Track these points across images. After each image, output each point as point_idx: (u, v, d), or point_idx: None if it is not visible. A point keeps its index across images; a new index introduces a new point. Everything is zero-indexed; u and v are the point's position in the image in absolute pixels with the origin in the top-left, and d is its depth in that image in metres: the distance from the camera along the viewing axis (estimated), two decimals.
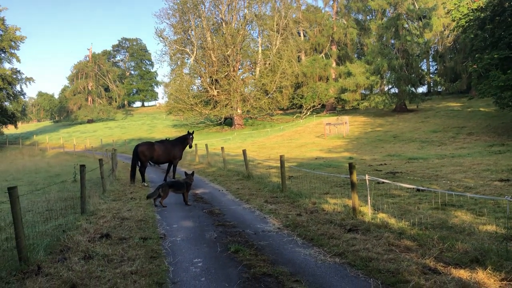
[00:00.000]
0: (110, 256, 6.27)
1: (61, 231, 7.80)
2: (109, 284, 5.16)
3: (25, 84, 71.18)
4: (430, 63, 71.55)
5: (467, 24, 34.58)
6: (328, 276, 5.35)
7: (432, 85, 67.35)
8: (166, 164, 17.18)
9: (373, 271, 5.35)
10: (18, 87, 65.00)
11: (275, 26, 58.49)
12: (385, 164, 20.46)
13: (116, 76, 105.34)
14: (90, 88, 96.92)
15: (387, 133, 39.74)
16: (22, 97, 67.19)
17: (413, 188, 11.30)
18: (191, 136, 16.74)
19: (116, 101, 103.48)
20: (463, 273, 5.02)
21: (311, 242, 6.91)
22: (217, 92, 58.47)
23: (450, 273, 5.07)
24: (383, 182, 12.58)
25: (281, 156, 12.71)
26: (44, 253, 6.43)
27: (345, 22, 62.19)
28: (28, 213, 10.16)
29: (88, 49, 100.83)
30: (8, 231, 8.29)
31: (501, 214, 8.28)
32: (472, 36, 34.00)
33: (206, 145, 25.05)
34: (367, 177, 8.65)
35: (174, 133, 51.07)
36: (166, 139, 18.97)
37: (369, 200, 8.54)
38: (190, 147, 17.23)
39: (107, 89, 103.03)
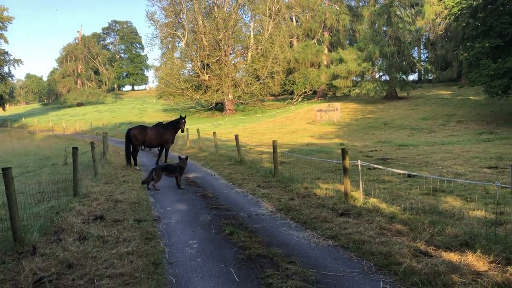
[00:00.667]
0: (105, 237, 6.32)
1: (55, 213, 7.81)
2: (106, 264, 5.20)
3: (13, 65, 70.35)
4: (421, 50, 71.74)
5: (459, 12, 34.65)
6: (322, 257, 5.45)
7: (423, 72, 67.74)
8: (158, 148, 17.22)
9: (366, 253, 5.45)
10: (6, 69, 64.27)
11: (267, 10, 58.07)
12: (375, 150, 20.64)
13: (106, 59, 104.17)
14: (79, 71, 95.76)
15: (378, 120, 39.97)
16: (10, 79, 66.43)
17: (404, 174, 11.47)
18: (183, 121, 16.68)
19: (106, 85, 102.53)
20: (453, 256, 5.14)
21: (304, 225, 7.01)
22: (208, 76, 58.14)
23: (440, 256, 5.19)
24: (374, 168, 12.73)
25: (273, 141, 12.77)
26: (38, 234, 6.45)
27: (338, 8, 61.96)
28: (20, 195, 10.11)
29: (78, 31, 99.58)
30: (1, 212, 8.29)
31: (490, 200, 8.44)
32: (464, 24, 34.12)
33: (198, 130, 25.02)
34: (359, 162, 8.75)
35: (164, 118, 50.82)
36: (159, 122, 18.97)
37: (360, 185, 8.64)
38: (182, 131, 17.19)
39: (96, 72, 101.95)
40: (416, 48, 64.84)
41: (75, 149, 10.37)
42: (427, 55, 69.39)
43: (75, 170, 10.02)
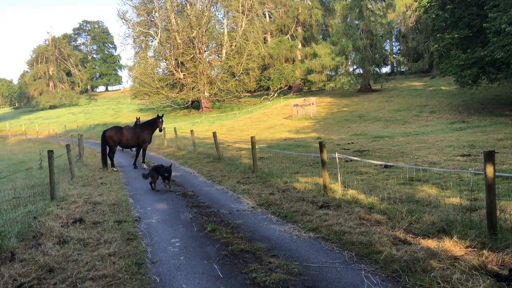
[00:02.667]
0: (86, 240, 6.25)
1: (32, 218, 7.68)
2: (88, 266, 5.15)
3: None
4: (393, 43, 72.79)
5: (428, 4, 35.20)
6: (304, 250, 5.52)
7: (395, 65, 68.73)
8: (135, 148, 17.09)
9: (347, 244, 5.55)
10: None
11: (240, 7, 57.90)
12: (352, 143, 20.89)
13: (78, 60, 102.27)
14: (51, 73, 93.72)
15: (353, 113, 40.40)
16: None
17: (381, 165, 11.67)
18: (161, 120, 16.55)
19: (78, 86, 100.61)
20: (431, 243, 5.28)
21: (285, 219, 7.08)
22: (183, 75, 57.71)
23: (419, 243, 5.32)
24: (351, 160, 12.91)
25: (252, 137, 12.82)
26: (16, 239, 6.34)
27: (310, 3, 62.25)
28: None
29: (48, 33, 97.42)
30: None
31: (464, 187, 8.66)
32: (434, 16, 34.68)
33: (175, 128, 24.87)
34: (336, 155, 8.87)
35: (141, 116, 50.29)
36: (137, 118, 18.88)
37: (339, 178, 8.77)
38: (161, 130, 17.14)
39: (69, 74, 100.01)
40: (388, 40, 65.76)
41: (50, 152, 10.18)
42: (399, 47, 70.38)
43: (51, 173, 9.85)
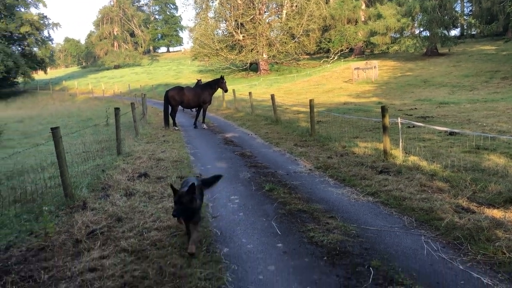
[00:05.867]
0: (151, 193, 6.57)
1: (101, 171, 8.15)
2: (153, 218, 5.45)
3: (52, 29, 71.80)
4: (464, 4, 68.15)
5: None
6: (362, 213, 5.51)
7: (465, 27, 64.49)
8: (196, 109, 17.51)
9: (407, 209, 5.47)
10: (45, 33, 65.30)
11: None
12: (415, 108, 20.16)
13: (141, 20, 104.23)
14: (115, 33, 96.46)
15: (417, 77, 38.76)
16: (50, 42, 67.61)
17: (445, 132, 11.24)
18: (224, 81, 16.90)
19: (141, 47, 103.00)
20: (496, 212, 5.09)
21: (343, 183, 7.05)
22: (243, 36, 57.46)
23: (483, 212, 5.15)
24: (414, 126, 12.52)
25: (310, 100, 12.69)
26: (87, 190, 6.78)
27: None
28: (66, 155, 10.49)
29: None
30: (50, 170, 8.70)
31: None
32: None
33: (234, 90, 25.07)
34: (399, 120, 8.62)
35: (202, 79, 50.98)
36: (198, 80, 19.31)
37: (400, 143, 8.55)
38: (226, 91, 17.91)
39: (132, 34, 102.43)
40: (459, 1, 61.68)
41: (117, 109, 10.63)
42: (471, 8, 65.81)
43: (117, 130, 10.32)
